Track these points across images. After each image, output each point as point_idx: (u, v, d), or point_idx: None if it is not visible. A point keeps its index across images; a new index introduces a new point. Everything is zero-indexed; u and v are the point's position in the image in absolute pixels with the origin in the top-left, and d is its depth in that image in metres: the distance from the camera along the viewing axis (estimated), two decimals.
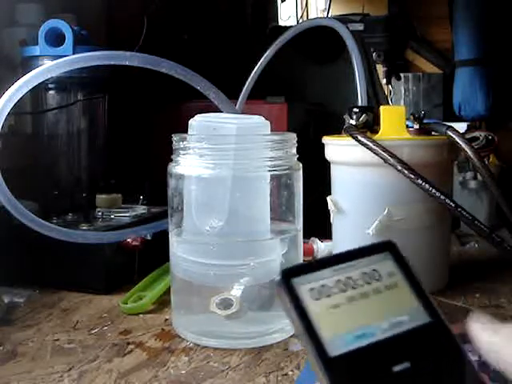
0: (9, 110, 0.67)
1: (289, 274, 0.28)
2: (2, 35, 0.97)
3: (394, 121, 0.74)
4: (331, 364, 0.26)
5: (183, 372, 0.54)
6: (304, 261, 0.68)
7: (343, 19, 1.14)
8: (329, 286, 0.28)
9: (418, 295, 0.29)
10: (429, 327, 0.28)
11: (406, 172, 0.68)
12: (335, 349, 0.26)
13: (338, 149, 0.78)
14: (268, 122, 0.63)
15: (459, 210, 0.68)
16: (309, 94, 1.21)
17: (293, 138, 0.63)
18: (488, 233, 0.68)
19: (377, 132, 0.75)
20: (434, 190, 0.68)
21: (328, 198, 0.79)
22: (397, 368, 0.26)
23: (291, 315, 0.27)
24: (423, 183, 0.68)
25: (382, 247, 0.30)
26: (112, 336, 0.62)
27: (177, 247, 0.63)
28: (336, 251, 0.82)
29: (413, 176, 0.68)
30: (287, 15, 1.95)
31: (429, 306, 0.28)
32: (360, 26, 1.20)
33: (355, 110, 0.76)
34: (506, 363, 0.27)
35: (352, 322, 0.27)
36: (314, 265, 0.29)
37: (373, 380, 0.26)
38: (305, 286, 0.28)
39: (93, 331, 0.63)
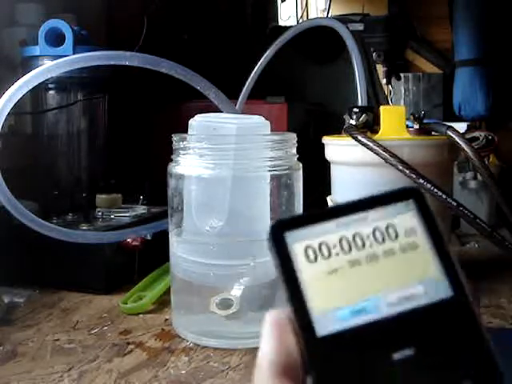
0: (9, 110, 0.67)
1: (281, 227, 0.23)
2: (2, 35, 0.97)
3: (393, 121, 0.74)
4: (317, 346, 0.21)
5: (183, 372, 0.53)
6: None
7: (343, 19, 1.14)
8: (329, 245, 0.23)
9: (441, 261, 0.23)
10: (447, 304, 0.22)
11: (407, 172, 0.68)
12: (325, 327, 0.21)
13: (338, 149, 0.78)
14: (268, 122, 0.63)
15: (461, 208, 0.68)
16: (309, 93, 1.21)
17: (293, 138, 0.63)
18: (489, 231, 0.68)
19: (377, 132, 0.75)
20: (435, 190, 0.68)
21: (328, 198, 0.79)
22: (397, 355, 0.21)
23: (280, 278, 0.23)
24: (425, 183, 0.68)
25: (405, 194, 0.24)
26: (112, 336, 0.62)
27: (177, 247, 0.63)
28: None
29: (414, 176, 0.68)
30: (287, 15, 1.95)
31: (452, 275, 0.22)
32: (360, 26, 1.20)
33: (355, 109, 0.76)
34: None
35: (351, 293, 0.22)
36: (314, 216, 0.23)
37: (366, 369, 0.21)
38: (299, 243, 0.23)
39: (93, 331, 0.63)
